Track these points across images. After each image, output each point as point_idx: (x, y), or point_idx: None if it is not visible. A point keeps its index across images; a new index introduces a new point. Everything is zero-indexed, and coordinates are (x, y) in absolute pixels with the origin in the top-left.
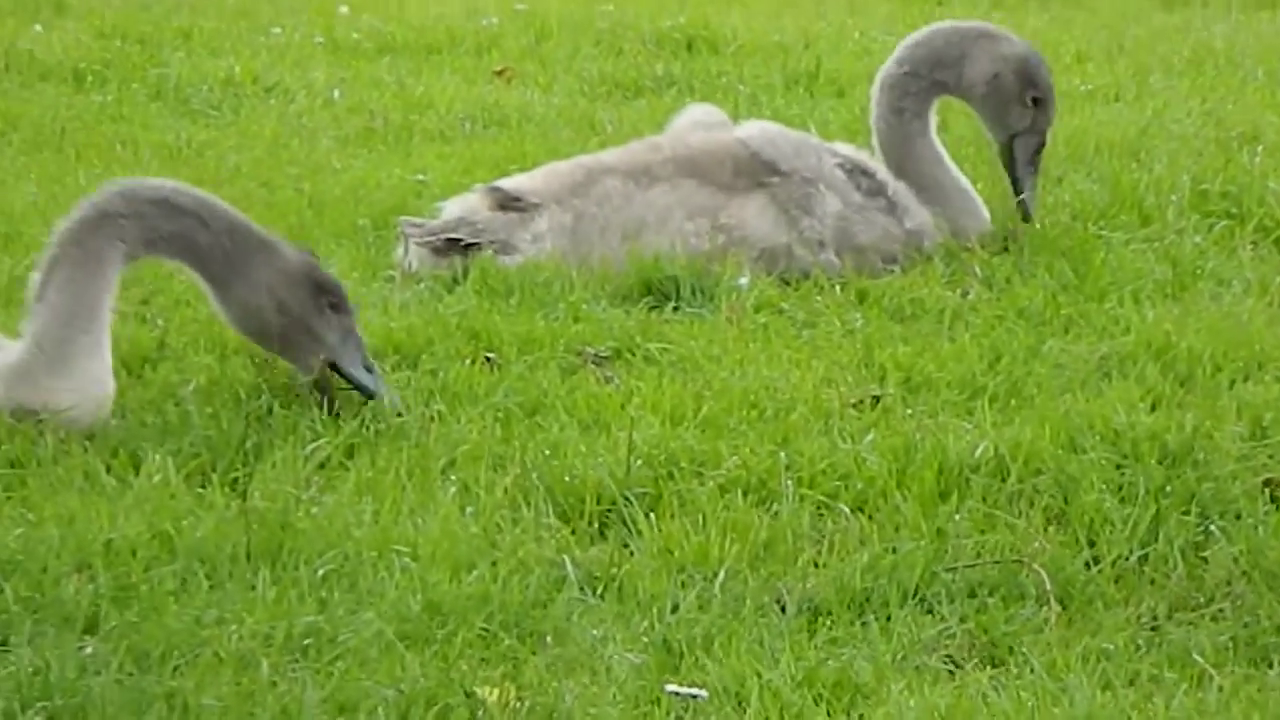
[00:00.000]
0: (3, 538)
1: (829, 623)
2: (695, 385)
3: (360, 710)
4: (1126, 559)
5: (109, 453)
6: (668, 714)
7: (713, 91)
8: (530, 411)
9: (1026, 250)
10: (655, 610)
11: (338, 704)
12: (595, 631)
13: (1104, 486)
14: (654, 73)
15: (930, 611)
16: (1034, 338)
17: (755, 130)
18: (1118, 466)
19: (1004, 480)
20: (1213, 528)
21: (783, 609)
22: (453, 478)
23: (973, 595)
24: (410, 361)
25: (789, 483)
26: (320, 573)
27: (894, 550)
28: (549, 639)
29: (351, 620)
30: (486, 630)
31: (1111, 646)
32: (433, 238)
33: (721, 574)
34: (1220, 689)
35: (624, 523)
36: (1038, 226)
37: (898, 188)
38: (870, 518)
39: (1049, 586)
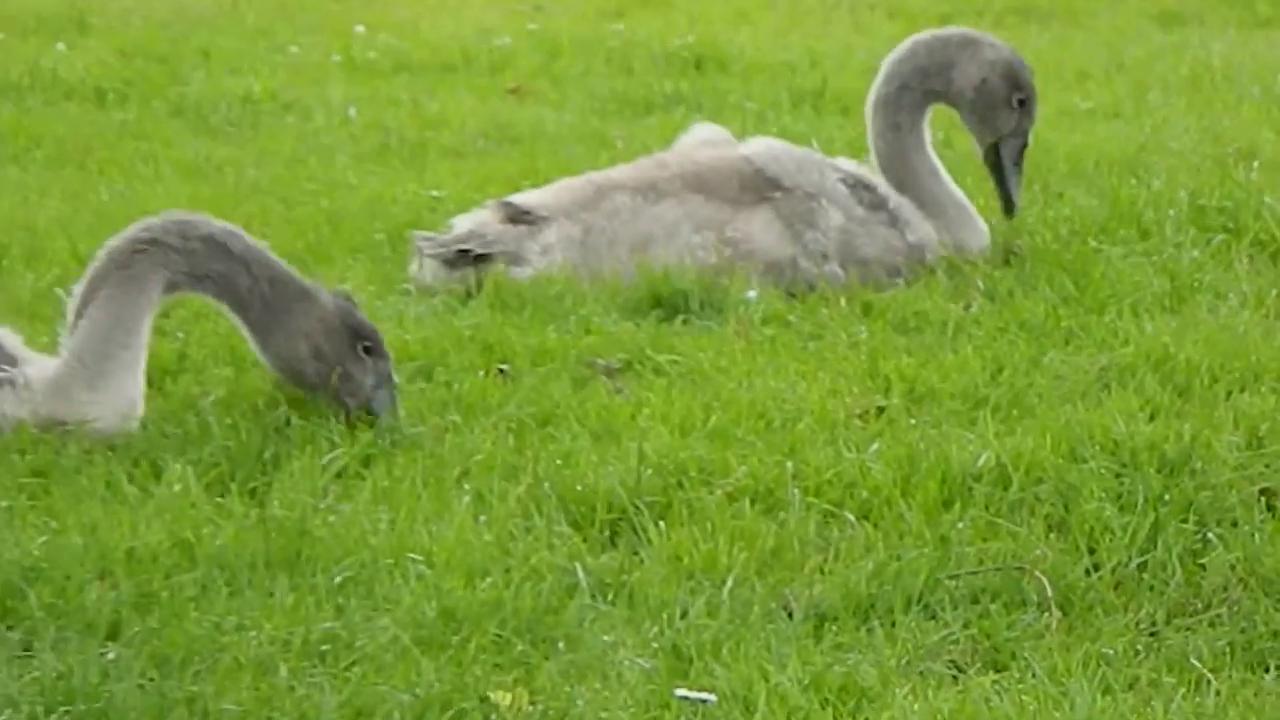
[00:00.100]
0: (27, 545)
1: (835, 628)
2: (704, 396)
3: (377, 714)
4: (1126, 566)
5: (131, 462)
6: (677, 718)
7: (721, 109)
8: (542, 422)
9: (1028, 264)
10: (665, 616)
11: (355, 708)
12: (606, 637)
13: (1104, 495)
14: (664, 91)
15: (934, 617)
16: (1035, 349)
17: (760, 147)
18: (1117, 475)
19: (1006, 489)
20: (1210, 535)
21: (790, 615)
22: (467, 487)
23: (975, 601)
24: (425, 373)
25: (796, 492)
26: (337, 580)
27: (898, 557)
28: (561, 644)
29: (368, 626)
30: (500, 636)
31: (1111, 651)
32: (444, 249)
33: (730, 581)
34: (1218, 693)
35: (634, 531)
36: (1038, 241)
37: (900, 201)
38: (875, 526)
39: (1050, 593)
